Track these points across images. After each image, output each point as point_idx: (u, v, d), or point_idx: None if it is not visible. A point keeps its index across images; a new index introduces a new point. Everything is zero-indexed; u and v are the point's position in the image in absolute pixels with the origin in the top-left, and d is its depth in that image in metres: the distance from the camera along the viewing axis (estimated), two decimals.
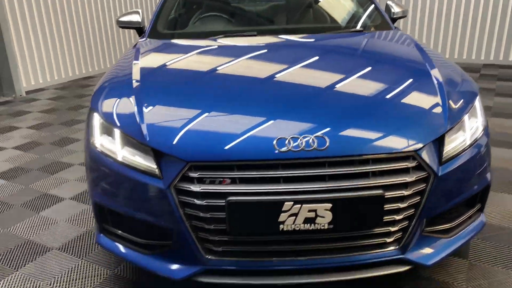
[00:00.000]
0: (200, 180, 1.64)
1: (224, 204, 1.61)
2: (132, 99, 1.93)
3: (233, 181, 1.62)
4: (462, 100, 1.91)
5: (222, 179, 1.63)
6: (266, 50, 2.47)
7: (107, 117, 1.89)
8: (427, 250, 1.78)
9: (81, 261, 2.23)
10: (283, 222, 1.61)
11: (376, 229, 1.67)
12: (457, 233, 1.87)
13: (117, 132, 1.83)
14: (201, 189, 1.62)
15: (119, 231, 1.91)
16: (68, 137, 4.11)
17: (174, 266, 1.78)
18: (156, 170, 1.69)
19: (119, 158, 1.78)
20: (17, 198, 2.94)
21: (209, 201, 1.62)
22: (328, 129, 1.66)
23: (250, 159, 1.61)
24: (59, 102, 5.39)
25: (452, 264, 2.11)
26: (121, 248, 1.91)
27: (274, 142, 1.62)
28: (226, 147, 1.64)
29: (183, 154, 1.64)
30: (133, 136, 1.76)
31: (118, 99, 1.98)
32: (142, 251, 1.86)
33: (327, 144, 1.61)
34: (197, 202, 1.63)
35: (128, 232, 1.88)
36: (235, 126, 1.72)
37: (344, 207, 1.59)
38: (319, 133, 1.64)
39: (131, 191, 1.75)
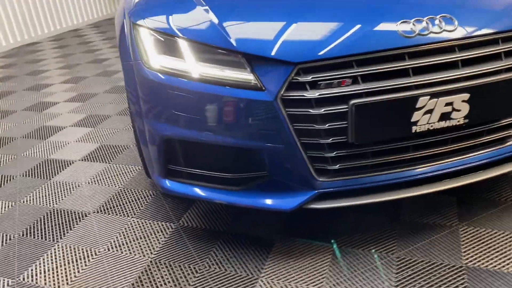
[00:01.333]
0: (314, 85, 1.34)
1: (346, 109, 1.33)
2: (199, 7, 1.55)
3: (354, 80, 1.34)
4: None
5: (341, 80, 1.34)
6: None
7: (170, 30, 1.50)
8: None
9: (134, 220, 1.88)
10: (416, 123, 1.37)
11: (505, 120, 1.49)
12: None
13: (185, 45, 1.46)
14: (319, 95, 1.32)
15: (196, 170, 1.58)
16: (43, 101, 3.55)
17: (280, 197, 1.49)
18: (255, 81, 1.37)
19: (195, 75, 1.43)
20: (14, 168, 2.46)
21: (328, 109, 1.34)
22: (453, 7, 1.41)
23: (372, 50, 1.33)
24: (12, 69, 4.68)
25: None
26: (200, 189, 1.59)
27: (397, 26, 1.35)
28: (340, 40, 1.34)
29: (289, 55, 1.33)
30: (216, 44, 1.41)
31: (179, 9, 1.59)
32: (229, 188, 1.55)
33: (456, 24, 1.37)
34: (313, 111, 1.34)
35: (209, 169, 1.56)
36: (345, 14, 1.42)
37: (481, 96, 1.38)
38: (444, 13, 1.39)
39: (219, 112, 1.42)
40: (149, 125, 1.59)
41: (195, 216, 1.86)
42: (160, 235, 1.76)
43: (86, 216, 1.94)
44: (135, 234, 1.78)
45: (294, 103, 1.35)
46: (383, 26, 1.36)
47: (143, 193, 2.07)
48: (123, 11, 1.83)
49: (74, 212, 1.98)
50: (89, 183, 2.22)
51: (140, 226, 1.83)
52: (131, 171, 2.28)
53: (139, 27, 1.58)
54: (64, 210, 2.00)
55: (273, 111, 1.35)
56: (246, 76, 1.38)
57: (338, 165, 1.43)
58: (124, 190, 2.11)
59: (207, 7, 1.53)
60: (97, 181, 2.22)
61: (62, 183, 2.23)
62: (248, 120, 1.39)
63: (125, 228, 1.82)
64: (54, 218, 1.95)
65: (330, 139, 1.38)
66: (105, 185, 2.18)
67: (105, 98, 3.48)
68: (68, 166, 2.41)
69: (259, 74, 1.36)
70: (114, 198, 2.05)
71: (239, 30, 1.41)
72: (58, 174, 2.34)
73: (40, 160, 2.52)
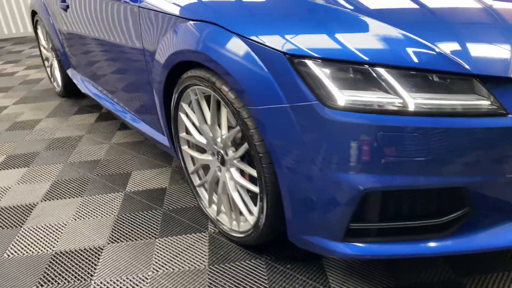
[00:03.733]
0: None
1: None
2: (372, 20, 1.29)
3: None
4: None
5: None
6: None
7: (356, 57, 1.21)
8: None
9: None
10: None
11: None
12: None
13: (387, 73, 1.20)
14: None
15: (391, 223, 1.31)
16: None
17: (491, 232, 1.33)
18: (491, 106, 1.19)
19: (411, 108, 1.17)
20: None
21: None
22: None
23: None
24: None
25: None
26: (396, 246, 1.33)
27: None
28: None
29: None
30: (439, 69, 1.19)
31: (340, 26, 1.31)
32: (433, 236, 1.32)
33: None
34: None
35: (408, 219, 1.31)
36: None
37: None
38: None
39: (449, 148, 1.19)
40: (334, 180, 1.25)
41: (344, 278, 1.54)
42: None
43: None
44: None
45: None
46: None
47: (254, 262, 1.63)
48: (222, 34, 1.41)
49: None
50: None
51: None
52: (198, 240, 1.79)
53: (303, 59, 1.23)
54: None
55: None
56: (479, 102, 1.19)
57: None
58: (219, 263, 1.63)
59: (383, 23, 1.29)
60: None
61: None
62: (487, 153, 1.20)
63: None
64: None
65: None
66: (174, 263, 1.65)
67: (53, 158, 2.71)
68: (99, 251, 1.77)
69: (498, 98, 1.19)
70: (212, 275, 1.57)
71: (462, 50, 1.21)
72: (98, 263, 1.68)
73: (45, 253, 1.79)
